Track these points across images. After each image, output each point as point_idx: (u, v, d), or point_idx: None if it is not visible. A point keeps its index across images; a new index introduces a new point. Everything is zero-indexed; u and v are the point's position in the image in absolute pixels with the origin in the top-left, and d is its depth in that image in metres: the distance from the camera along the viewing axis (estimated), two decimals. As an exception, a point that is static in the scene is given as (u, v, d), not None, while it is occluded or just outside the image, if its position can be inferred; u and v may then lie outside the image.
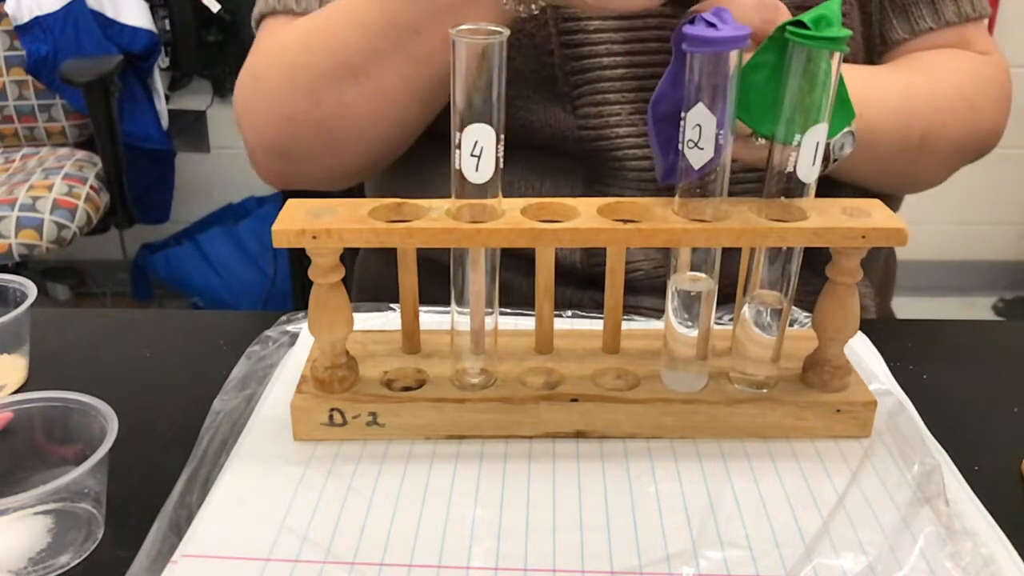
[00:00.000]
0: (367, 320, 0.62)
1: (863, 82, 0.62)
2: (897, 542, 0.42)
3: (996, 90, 0.69)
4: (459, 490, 0.46)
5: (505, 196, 0.67)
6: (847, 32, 0.42)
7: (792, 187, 0.46)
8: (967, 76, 0.68)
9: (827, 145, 0.56)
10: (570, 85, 0.63)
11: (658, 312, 0.64)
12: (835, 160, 0.57)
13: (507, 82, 0.62)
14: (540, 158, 0.66)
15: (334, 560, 0.41)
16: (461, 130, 0.43)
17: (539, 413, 0.49)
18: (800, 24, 0.42)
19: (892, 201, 0.75)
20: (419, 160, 0.73)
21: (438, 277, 0.66)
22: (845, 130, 0.56)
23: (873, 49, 0.69)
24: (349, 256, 0.87)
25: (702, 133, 0.44)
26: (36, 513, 0.42)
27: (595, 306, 0.64)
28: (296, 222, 0.45)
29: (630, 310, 0.65)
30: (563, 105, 0.63)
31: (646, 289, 0.66)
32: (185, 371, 0.57)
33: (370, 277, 0.81)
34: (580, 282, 0.67)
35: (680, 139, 0.45)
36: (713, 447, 0.49)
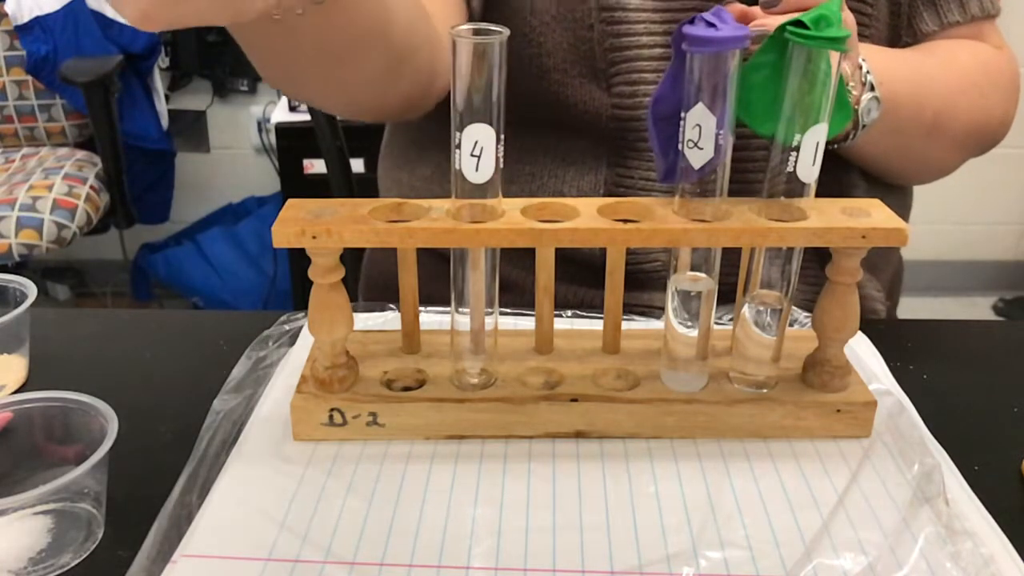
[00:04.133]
0: (367, 320, 0.62)
1: (883, 55, 0.63)
2: (897, 542, 0.42)
3: (1006, 81, 0.71)
4: (459, 490, 0.46)
5: (528, 184, 0.69)
6: (847, 32, 0.42)
7: (792, 187, 0.46)
8: (978, 64, 0.69)
9: (855, 111, 0.58)
10: (607, 62, 0.63)
11: None
12: (864, 126, 0.58)
13: (545, 54, 0.64)
14: (565, 143, 0.67)
15: (334, 560, 0.41)
16: (461, 130, 0.43)
17: (539, 413, 0.49)
18: (800, 24, 0.42)
19: (902, 200, 0.75)
20: (420, 136, 0.73)
21: (440, 269, 0.66)
22: (871, 95, 0.58)
23: (897, 39, 0.70)
24: (356, 253, 0.87)
25: (702, 133, 0.44)
26: (36, 513, 0.42)
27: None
28: (296, 222, 0.45)
29: (642, 309, 0.65)
30: (599, 82, 0.64)
31: (659, 285, 0.66)
32: (185, 371, 0.57)
33: (378, 273, 0.81)
34: (595, 278, 0.67)
35: (680, 139, 0.45)
36: (713, 447, 0.49)
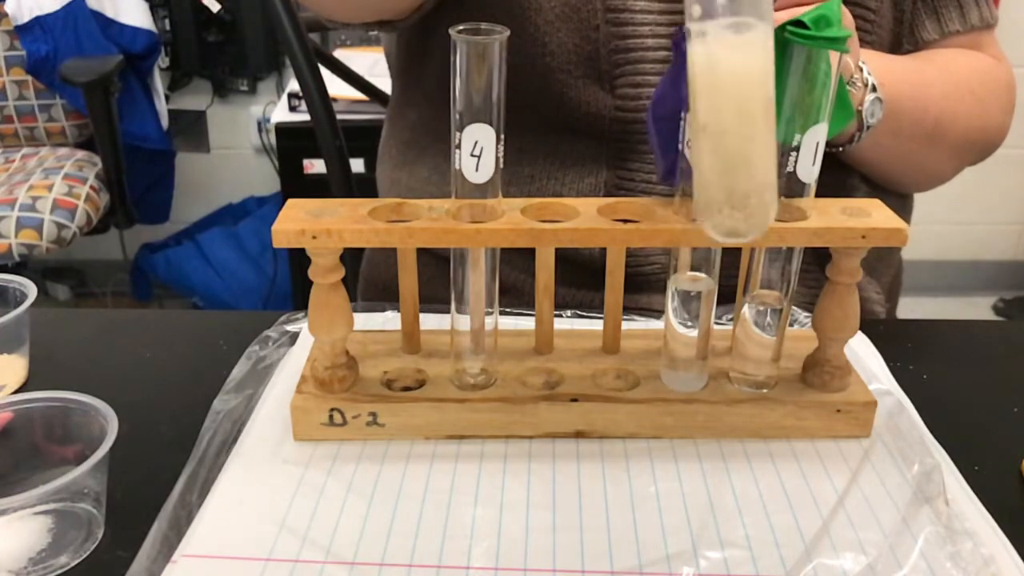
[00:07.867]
0: (367, 320, 0.62)
1: (883, 59, 0.63)
2: (897, 542, 0.42)
3: (1003, 90, 0.71)
4: (459, 490, 0.46)
5: (527, 186, 0.69)
6: (847, 32, 0.42)
7: (792, 187, 0.46)
8: (976, 73, 0.70)
9: (859, 112, 0.58)
10: (611, 64, 0.63)
11: None
12: (868, 127, 0.59)
13: (549, 54, 0.63)
14: (565, 146, 0.66)
15: (334, 560, 0.41)
16: (461, 130, 0.43)
17: (539, 413, 0.49)
18: (800, 24, 0.42)
19: (903, 203, 0.75)
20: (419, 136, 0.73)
21: (440, 270, 0.66)
22: (873, 96, 0.58)
23: (899, 46, 0.70)
24: (355, 254, 0.87)
25: (702, 133, 0.44)
26: (36, 513, 0.42)
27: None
28: (296, 222, 0.45)
29: (641, 311, 0.65)
30: (602, 84, 0.63)
31: (659, 287, 0.66)
32: (185, 371, 0.57)
33: (377, 275, 0.81)
34: (595, 280, 0.67)
35: (680, 139, 0.45)
36: (713, 447, 0.49)
